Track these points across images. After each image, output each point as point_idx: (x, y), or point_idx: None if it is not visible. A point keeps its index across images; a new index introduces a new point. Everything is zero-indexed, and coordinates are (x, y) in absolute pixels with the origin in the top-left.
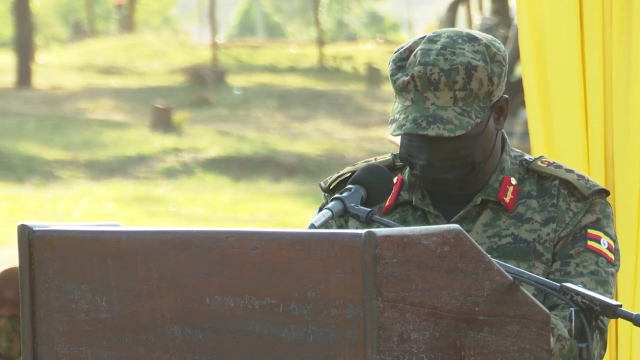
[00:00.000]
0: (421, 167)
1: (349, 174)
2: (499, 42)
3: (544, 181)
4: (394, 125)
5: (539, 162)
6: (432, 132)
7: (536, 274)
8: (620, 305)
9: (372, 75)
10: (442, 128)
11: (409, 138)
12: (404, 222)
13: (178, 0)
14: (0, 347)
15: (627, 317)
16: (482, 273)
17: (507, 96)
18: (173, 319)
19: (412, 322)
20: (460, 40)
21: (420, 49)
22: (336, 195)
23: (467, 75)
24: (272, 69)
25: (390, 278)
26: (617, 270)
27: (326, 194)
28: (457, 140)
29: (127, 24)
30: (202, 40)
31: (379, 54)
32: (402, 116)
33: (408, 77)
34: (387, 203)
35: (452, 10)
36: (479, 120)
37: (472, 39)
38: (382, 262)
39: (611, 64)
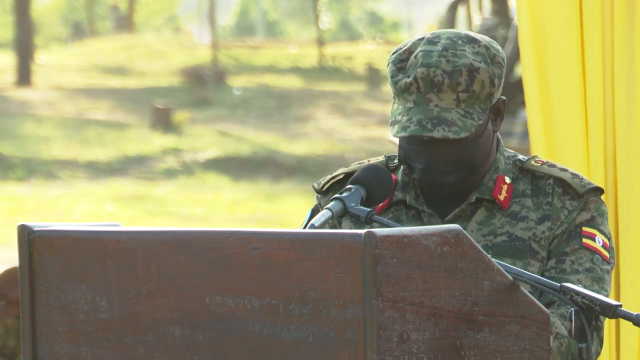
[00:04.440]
0: (420, 170)
1: (342, 176)
2: (497, 43)
3: (538, 180)
4: (396, 127)
5: (532, 162)
6: (437, 134)
7: (532, 272)
8: (620, 305)
9: (372, 75)
10: (447, 130)
11: (409, 141)
12: (398, 222)
13: (178, 1)
14: (7, 346)
15: (627, 317)
16: (482, 273)
17: (504, 97)
18: (173, 319)
19: (412, 322)
20: (460, 42)
21: (421, 51)
22: (336, 195)
23: (469, 77)
24: (272, 69)
25: (390, 278)
26: (612, 268)
27: (319, 196)
28: (459, 143)
29: (127, 24)
30: (202, 40)
31: (379, 54)
32: (405, 118)
33: (410, 78)
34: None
35: (452, 10)
36: (481, 122)
37: (471, 40)
38: (382, 262)
39: (612, 63)
